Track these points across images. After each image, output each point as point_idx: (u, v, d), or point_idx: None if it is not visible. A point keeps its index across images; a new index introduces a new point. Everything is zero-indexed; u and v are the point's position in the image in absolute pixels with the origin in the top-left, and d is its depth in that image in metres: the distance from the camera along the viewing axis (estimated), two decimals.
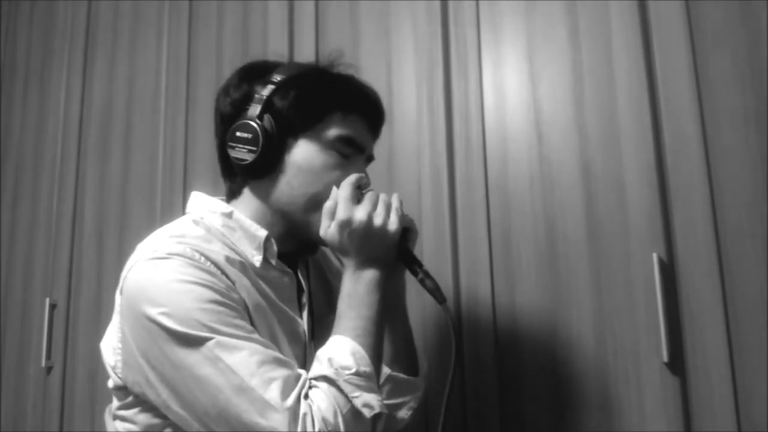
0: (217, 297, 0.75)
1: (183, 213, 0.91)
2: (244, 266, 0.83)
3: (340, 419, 0.72)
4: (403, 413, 0.93)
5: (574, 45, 1.21)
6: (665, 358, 1.03)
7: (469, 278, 1.23)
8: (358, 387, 0.74)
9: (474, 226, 1.24)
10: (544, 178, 1.20)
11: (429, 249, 1.27)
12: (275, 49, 1.53)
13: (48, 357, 1.78)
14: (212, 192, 0.92)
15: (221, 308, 0.74)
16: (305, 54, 1.47)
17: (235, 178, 0.90)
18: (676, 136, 1.10)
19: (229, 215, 0.86)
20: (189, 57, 1.70)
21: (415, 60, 1.37)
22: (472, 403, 1.19)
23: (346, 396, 0.73)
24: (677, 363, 1.04)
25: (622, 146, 1.13)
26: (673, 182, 1.09)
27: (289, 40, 1.54)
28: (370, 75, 0.93)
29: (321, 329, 0.89)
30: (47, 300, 1.80)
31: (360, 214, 0.81)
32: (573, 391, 1.11)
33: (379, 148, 0.99)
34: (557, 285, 1.16)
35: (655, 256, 1.06)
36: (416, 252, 0.89)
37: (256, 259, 0.85)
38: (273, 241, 0.86)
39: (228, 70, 0.92)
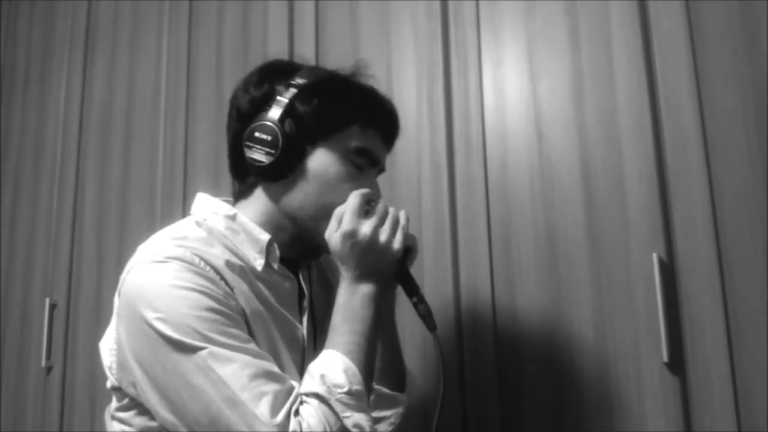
0: (214, 305, 0.75)
1: (183, 213, 0.91)
2: (245, 271, 0.83)
3: None
4: (383, 428, 0.92)
5: (574, 45, 1.21)
6: (665, 358, 1.03)
7: (469, 278, 1.23)
8: (349, 407, 0.73)
9: (474, 226, 1.24)
10: (544, 178, 1.20)
11: (429, 249, 1.27)
12: (275, 49, 1.53)
13: (48, 357, 1.78)
14: (213, 192, 0.92)
15: (217, 316, 0.74)
16: (305, 54, 1.47)
17: (246, 177, 0.89)
18: (676, 136, 1.10)
19: (233, 218, 0.86)
20: (189, 57, 1.70)
21: (415, 60, 1.37)
22: (472, 403, 1.19)
23: (336, 415, 0.73)
24: (677, 363, 1.04)
25: (622, 146, 1.13)
26: (673, 182, 1.09)
27: (289, 40, 1.54)
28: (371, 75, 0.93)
29: (323, 333, 0.88)
30: (47, 300, 1.80)
31: (366, 228, 0.81)
32: (573, 391, 1.11)
33: None
34: (557, 285, 1.16)
35: (655, 256, 1.06)
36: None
37: (258, 263, 0.84)
38: (276, 245, 0.86)
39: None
